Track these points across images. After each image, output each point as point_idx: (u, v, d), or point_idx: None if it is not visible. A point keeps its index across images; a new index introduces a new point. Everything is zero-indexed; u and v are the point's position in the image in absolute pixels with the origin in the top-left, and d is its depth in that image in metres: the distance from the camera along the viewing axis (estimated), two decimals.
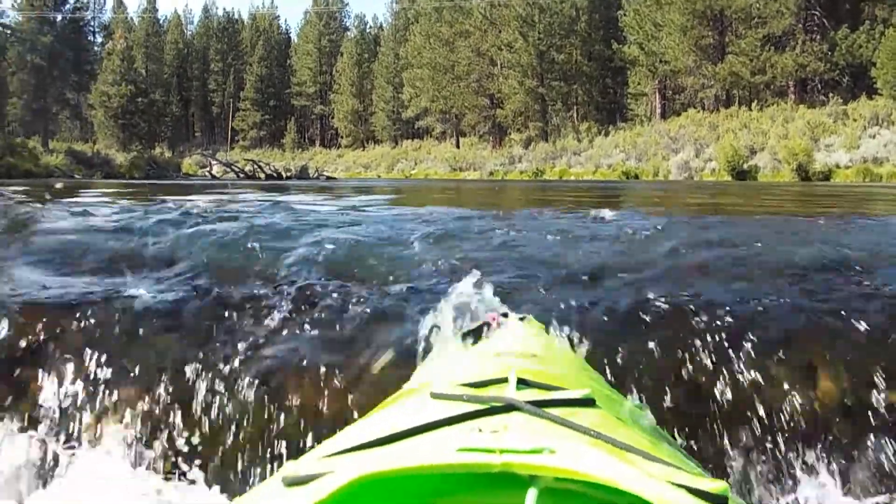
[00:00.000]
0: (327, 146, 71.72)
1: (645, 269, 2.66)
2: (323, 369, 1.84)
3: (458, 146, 55.25)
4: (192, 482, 1.70)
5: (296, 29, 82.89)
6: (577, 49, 51.33)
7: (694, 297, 2.15)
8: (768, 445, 1.64)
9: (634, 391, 1.71)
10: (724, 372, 1.76)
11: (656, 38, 45.14)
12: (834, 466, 1.62)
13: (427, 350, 1.79)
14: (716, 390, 1.72)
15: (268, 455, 1.71)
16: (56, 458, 1.80)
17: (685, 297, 2.15)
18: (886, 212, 7.95)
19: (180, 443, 1.75)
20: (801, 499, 1.59)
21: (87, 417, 1.83)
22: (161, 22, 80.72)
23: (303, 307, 2.13)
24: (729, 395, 1.70)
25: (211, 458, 1.72)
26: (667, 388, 1.74)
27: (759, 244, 3.30)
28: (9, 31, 52.03)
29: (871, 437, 1.64)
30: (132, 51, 59.97)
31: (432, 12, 59.19)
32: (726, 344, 1.83)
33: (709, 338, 1.86)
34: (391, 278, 2.34)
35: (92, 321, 2.11)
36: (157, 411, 1.81)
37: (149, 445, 1.76)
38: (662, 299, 2.10)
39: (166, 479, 1.70)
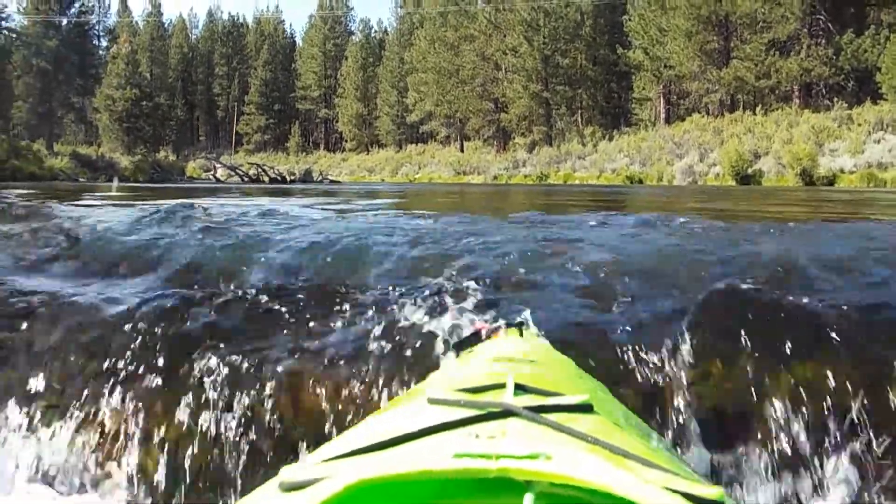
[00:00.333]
0: (331, 150, 71.88)
1: (646, 271, 2.65)
2: (320, 374, 1.84)
3: (462, 150, 55.35)
4: (187, 487, 1.69)
5: (301, 33, 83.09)
6: (582, 53, 51.44)
7: (696, 299, 2.14)
8: (766, 451, 1.63)
9: (632, 397, 1.71)
10: (723, 376, 1.75)
11: (661, 42, 45.21)
12: (838, 474, 1.61)
13: (425, 356, 1.79)
14: (715, 394, 1.72)
15: (264, 460, 1.70)
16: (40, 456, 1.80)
17: (686, 299, 2.15)
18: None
19: (173, 447, 1.74)
20: None
21: (73, 423, 1.83)
22: (166, 26, 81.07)
23: (301, 310, 2.13)
24: (728, 399, 1.69)
25: (206, 462, 1.72)
26: (665, 394, 1.73)
27: (758, 245, 3.29)
28: (14, 35, 52.29)
29: (874, 442, 1.63)
30: (137, 55, 60.23)
31: (437, 17, 59.36)
32: (726, 346, 1.82)
33: (709, 338, 1.85)
34: (390, 284, 2.33)
35: (76, 321, 2.11)
36: (149, 416, 1.80)
37: (140, 449, 1.75)
38: (662, 303, 2.10)
39: (159, 483, 1.70)
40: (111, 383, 1.88)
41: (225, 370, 1.87)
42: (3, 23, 50.09)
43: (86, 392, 1.88)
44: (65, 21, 55.74)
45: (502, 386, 0.92)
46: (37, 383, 1.93)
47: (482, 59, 53.20)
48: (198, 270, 2.93)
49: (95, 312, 2.21)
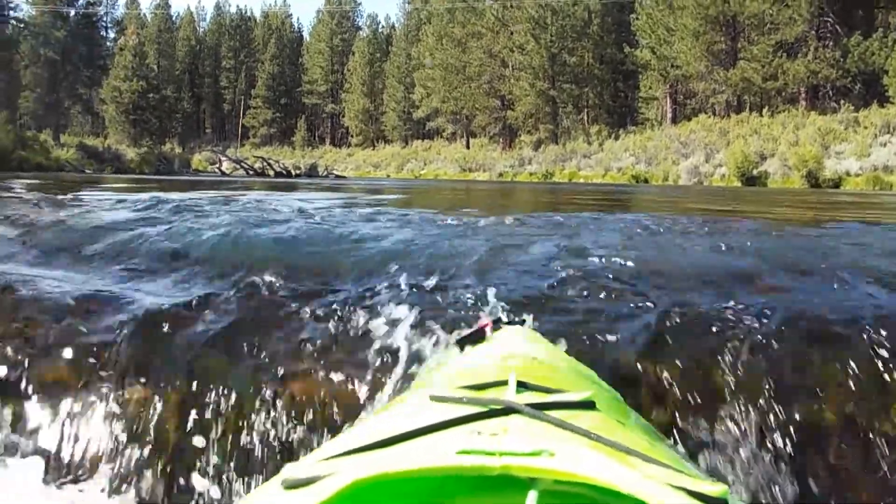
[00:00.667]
0: (337, 145, 71.89)
1: (645, 273, 2.65)
2: (322, 372, 1.84)
3: (468, 147, 55.30)
4: (190, 485, 1.69)
5: (308, 28, 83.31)
6: (589, 52, 51.35)
7: (696, 299, 2.14)
8: (770, 451, 1.63)
9: (635, 394, 1.71)
10: (725, 374, 1.75)
11: (668, 42, 45.11)
12: (838, 475, 1.62)
13: (428, 354, 1.79)
14: (716, 392, 1.72)
15: (266, 457, 1.70)
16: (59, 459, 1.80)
17: (687, 300, 2.15)
18: None
19: (176, 447, 1.75)
20: None
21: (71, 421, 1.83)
22: (173, 18, 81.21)
23: (301, 307, 2.13)
24: (729, 399, 1.70)
25: (209, 461, 1.72)
26: (667, 391, 1.74)
27: (759, 247, 3.29)
28: (22, 25, 52.33)
29: (877, 447, 1.63)
30: (144, 47, 60.38)
31: (445, 13, 59.32)
32: (725, 346, 1.82)
33: (708, 340, 1.85)
34: (391, 281, 2.33)
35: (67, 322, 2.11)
36: (149, 415, 1.81)
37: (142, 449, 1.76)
38: (662, 303, 2.10)
39: (163, 482, 1.70)
40: (103, 385, 1.88)
41: (225, 368, 1.88)
42: (12, 12, 50.19)
43: (81, 391, 1.88)
44: (73, 12, 55.76)
45: (505, 383, 0.93)
46: (34, 383, 1.93)
47: (489, 57, 53.13)
48: (197, 267, 2.92)
49: (86, 310, 2.20)
